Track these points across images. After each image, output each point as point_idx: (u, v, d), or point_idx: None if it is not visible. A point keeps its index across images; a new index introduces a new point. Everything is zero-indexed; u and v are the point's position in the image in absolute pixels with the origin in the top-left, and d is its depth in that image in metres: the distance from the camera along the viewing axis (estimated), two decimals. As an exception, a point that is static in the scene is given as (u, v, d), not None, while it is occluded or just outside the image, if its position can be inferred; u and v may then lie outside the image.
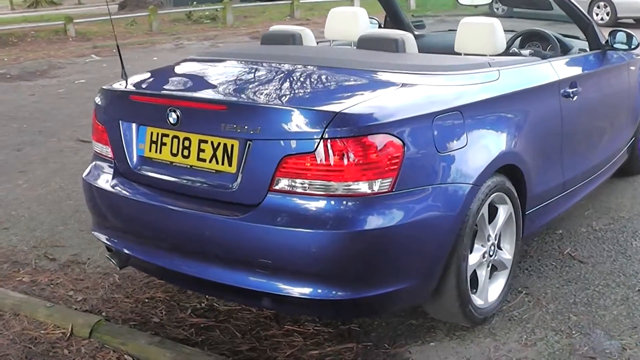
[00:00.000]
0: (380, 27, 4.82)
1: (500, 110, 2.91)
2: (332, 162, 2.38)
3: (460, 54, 3.61)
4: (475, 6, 5.13)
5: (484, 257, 2.85)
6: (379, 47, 3.11)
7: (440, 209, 2.55)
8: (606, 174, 4.11)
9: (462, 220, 2.62)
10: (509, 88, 2.99)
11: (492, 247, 2.90)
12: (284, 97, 2.66)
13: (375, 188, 2.40)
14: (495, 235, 2.91)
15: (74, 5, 24.88)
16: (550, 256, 3.55)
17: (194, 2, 17.89)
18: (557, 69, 3.41)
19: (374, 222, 2.40)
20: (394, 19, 4.82)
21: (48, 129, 6.67)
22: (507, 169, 2.90)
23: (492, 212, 2.90)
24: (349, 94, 2.62)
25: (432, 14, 12.97)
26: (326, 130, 2.37)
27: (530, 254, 3.57)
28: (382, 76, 2.78)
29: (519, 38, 4.39)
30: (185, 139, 2.67)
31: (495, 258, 2.94)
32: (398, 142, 2.43)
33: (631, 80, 4.37)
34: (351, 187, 2.39)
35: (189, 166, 2.69)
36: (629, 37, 4.03)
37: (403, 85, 2.66)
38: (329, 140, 2.37)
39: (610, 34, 4.06)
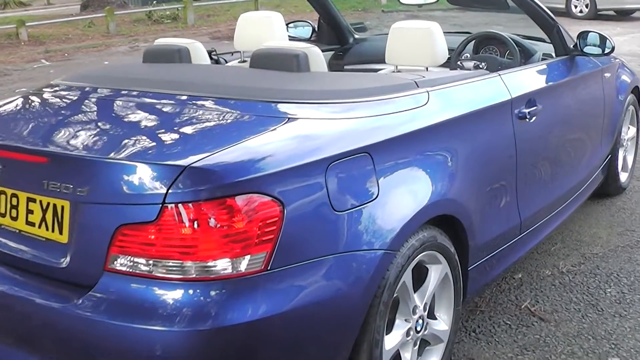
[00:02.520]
0: (314, 31, 4.17)
1: (429, 146, 2.25)
2: (181, 235, 1.73)
3: (394, 67, 2.97)
4: (420, 5, 4.47)
5: (408, 334, 2.20)
6: (275, 65, 2.44)
7: (339, 288, 1.90)
8: (576, 202, 3.48)
9: (371, 298, 1.98)
10: (441, 115, 2.34)
11: (421, 320, 2.26)
12: (125, 145, 1.96)
13: (243, 267, 1.75)
14: (425, 304, 2.27)
15: (43, 5, 24.00)
16: (505, 311, 2.91)
17: (154, 2, 17.09)
18: (509, 85, 2.76)
19: (242, 314, 1.74)
20: (328, 21, 4.14)
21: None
22: (440, 219, 2.26)
23: (422, 273, 2.27)
24: (211, 138, 1.94)
25: (405, 9, 12.31)
26: (170, 191, 1.72)
27: (480, 308, 2.93)
28: (266, 108, 2.09)
29: (472, 43, 3.75)
30: (13, 195, 2.02)
31: (426, 332, 2.30)
32: (274, 202, 1.78)
33: (607, 89, 3.73)
34: (209, 267, 1.74)
35: (17, 231, 2.04)
36: (602, 39, 3.39)
37: (289, 120, 1.99)
38: (174, 205, 1.72)
39: (579, 36, 3.42)
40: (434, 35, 2.80)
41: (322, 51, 4.17)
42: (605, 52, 3.38)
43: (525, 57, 3.67)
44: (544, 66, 3.19)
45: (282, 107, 2.07)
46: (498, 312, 2.90)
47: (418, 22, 2.87)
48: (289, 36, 4.14)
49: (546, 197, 3.04)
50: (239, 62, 3.33)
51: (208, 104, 2.14)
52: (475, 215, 2.42)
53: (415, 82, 2.35)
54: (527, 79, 3.01)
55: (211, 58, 3.42)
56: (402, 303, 2.18)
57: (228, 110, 2.09)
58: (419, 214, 2.11)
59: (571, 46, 3.41)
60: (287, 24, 4.17)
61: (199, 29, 14.34)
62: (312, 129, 1.99)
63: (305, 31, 4.18)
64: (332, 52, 4.17)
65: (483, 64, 3.54)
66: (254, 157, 1.81)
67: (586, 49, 3.39)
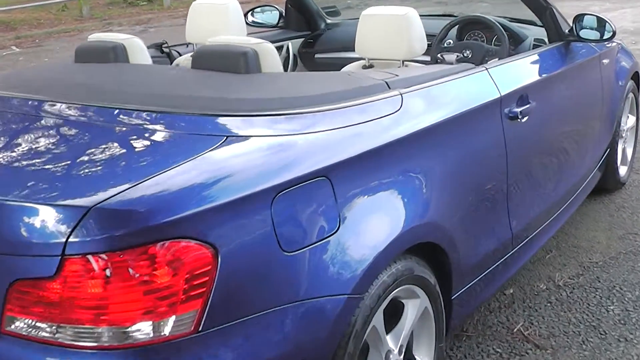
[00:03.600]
0: (281, 16, 3.77)
1: (403, 161, 1.88)
2: (88, 293, 1.37)
3: (363, 60, 2.60)
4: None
5: (381, 384, 1.86)
6: (220, 65, 2.05)
7: (293, 345, 1.54)
8: (574, 205, 3.13)
9: (332, 352, 1.62)
10: (417, 122, 1.95)
11: (397, 365, 1.91)
12: (18, 179, 1.55)
13: (167, 330, 1.39)
14: (401, 346, 1.92)
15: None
16: (495, 336, 2.57)
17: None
18: (498, 80, 2.38)
19: (166, 388, 1.39)
20: (296, 5, 3.72)
21: None
22: (418, 246, 1.91)
23: (397, 308, 1.92)
24: (127, 167, 1.54)
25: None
26: (71, 239, 1.35)
27: (467, 332, 2.58)
28: (200, 124, 1.69)
29: (455, 28, 3.37)
30: None
31: (403, 378, 1.96)
32: (206, 248, 1.41)
33: (605, 77, 3.37)
34: (125, 331, 1.38)
35: None
36: (601, 22, 3.03)
37: (228, 139, 1.59)
38: (78, 256, 1.36)
39: (575, 19, 3.05)
40: (410, 24, 2.42)
41: (291, 38, 3.83)
42: (605, 37, 3.02)
43: (515, 43, 3.31)
44: (537, 55, 2.81)
45: (221, 123, 1.67)
46: (487, 338, 2.56)
47: (392, 8, 2.49)
48: (254, 23, 3.76)
49: (541, 204, 2.69)
50: (190, 56, 2.93)
51: (129, 119, 1.73)
52: (459, 238, 2.06)
53: (386, 82, 1.97)
54: (519, 72, 2.62)
55: (162, 51, 3.03)
56: (372, 349, 1.82)
57: (153, 127, 1.70)
58: (391, 245, 1.75)
59: (566, 31, 3.04)
60: (252, 9, 3.79)
61: (175, 10, 13.78)
62: (256, 149, 1.60)
63: (272, 16, 3.78)
64: (302, 40, 3.79)
65: (468, 52, 3.17)
66: (180, 191, 1.43)
67: (583, 33, 3.02)
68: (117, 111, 1.77)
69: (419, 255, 1.92)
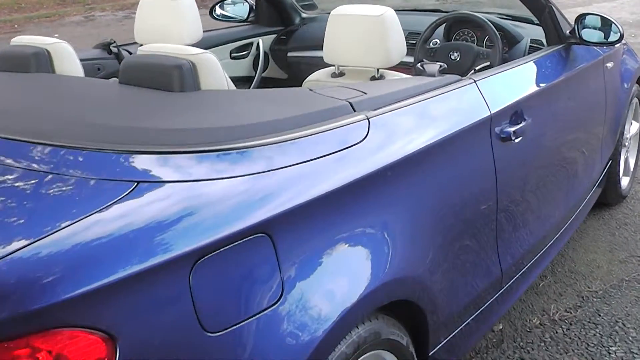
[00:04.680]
0: (251, 9, 3.42)
1: (367, 205, 1.53)
2: None
3: (335, 68, 2.25)
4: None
5: None
6: (150, 81, 1.69)
7: None
8: (571, 229, 2.80)
9: None
10: (387, 154, 1.60)
11: None
12: None
13: None
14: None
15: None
16: (482, 384, 2.26)
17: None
18: (488, 95, 2.02)
19: None
20: (269, -5, 3.36)
21: None
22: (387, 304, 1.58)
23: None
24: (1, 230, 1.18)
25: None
26: None
27: (451, 380, 2.27)
28: (110, 165, 1.32)
29: (443, 26, 3.03)
30: None
31: None
32: (100, 339, 1.08)
33: (609, 83, 3.02)
34: None
35: None
36: (606, 23, 2.69)
37: (139, 187, 1.23)
38: None
39: (577, 19, 2.70)
40: (387, 27, 2.08)
41: (262, 34, 3.47)
42: (611, 39, 2.68)
43: (509, 44, 2.97)
44: (533, 63, 2.46)
45: (133, 163, 1.31)
46: (473, 386, 2.25)
47: (366, 7, 2.14)
48: (222, 16, 3.40)
49: (535, 233, 2.36)
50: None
51: (16, 157, 1.38)
52: (438, 289, 1.73)
53: (350, 103, 1.62)
54: (513, 84, 2.27)
55: (110, 51, 2.68)
56: None
57: (46, 169, 1.33)
58: (352, 311, 1.41)
59: (567, 32, 2.70)
60: (221, 1, 3.43)
61: (162, -5, 13.38)
62: (173, 201, 1.25)
63: (243, 10, 3.42)
64: (275, 36, 3.44)
65: (456, 54, 2.83)
66: (67, 263, 1.09)
67: (585, 35, 2.67)
68: (13, 146, 1.41)
69: (389, 313, 1.59)
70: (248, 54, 3.33)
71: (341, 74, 2.22)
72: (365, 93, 1.69)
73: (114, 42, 2.65)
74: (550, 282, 2.84)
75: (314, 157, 1.45)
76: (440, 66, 1.99)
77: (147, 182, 1.26)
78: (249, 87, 3.34)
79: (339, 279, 1.42)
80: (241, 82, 3.31)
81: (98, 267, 1.10)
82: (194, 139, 1.40)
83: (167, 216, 1.21)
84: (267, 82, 3.40)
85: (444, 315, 1.80)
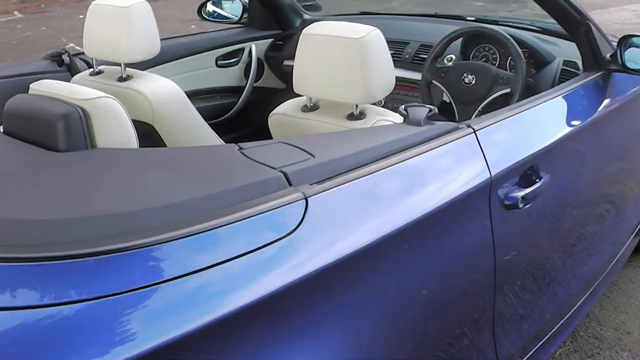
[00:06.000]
0: (245, 9, 3.01)
1: (303, 323, 1.11)
2: None
3: (307, 100, 1.84)
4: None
5: None
6: (32, 134, 1.31)
7: None
8: (597, 294, 2.34)
9: None
10: (330, 252, 1.15)
11: None
12: None
13: None
14: None
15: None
16: None
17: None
18: (489, 150, 1.58)
19: None
20: (263, -5, 2.94)
21: None
22: None
23: None
24: None
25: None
26: None
27: None
28: None
29: (460, 40, 2.58)
30: None
31: None
32: None
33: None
34: None
35: None
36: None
37: None
38: None
39: (620, 42, 2.22)
40: (368, 52, 1.64)
41: (257, 39, 3.06)
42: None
43: (537, 64, 2.51)
44: (561, 97, 2.00)
45: None
46: None
47: (347, 27, 1.71)
48: (211, 16, 3.01)
49: (543, 315, 1.93)
50: (90, 74, 2.20)
51: None
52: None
53: (284, 174, 1.21)
54: (527, 131, 1.81)
55: (61, 63, 2.31)
56: None
57: None
58: None
59: (607, 56, 2.22)
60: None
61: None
62: (20, 330, 0.88)
63: (236, 9, 3.01)
64: (271, 40, 3.03)
65: (471, 77, 2.40)
66: None
67: (628, 62, 2.19)
68: None
69: None
70: (238, 61, 2.93)
71: (314, 108, 1.80)
72: (313, 156, 1.28)
73: (66, 51, 2.28)
74: (569, 351, 2.41)
75: (225, 259, 1.05)
76: (430, 110, 1.55)
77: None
78: (238, 99, 2.95)
79: None
80: (229, 93, 2.92)
81: None
82: (61, 234, 1.02)
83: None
84: (260, 92, 3.00)
85: None
